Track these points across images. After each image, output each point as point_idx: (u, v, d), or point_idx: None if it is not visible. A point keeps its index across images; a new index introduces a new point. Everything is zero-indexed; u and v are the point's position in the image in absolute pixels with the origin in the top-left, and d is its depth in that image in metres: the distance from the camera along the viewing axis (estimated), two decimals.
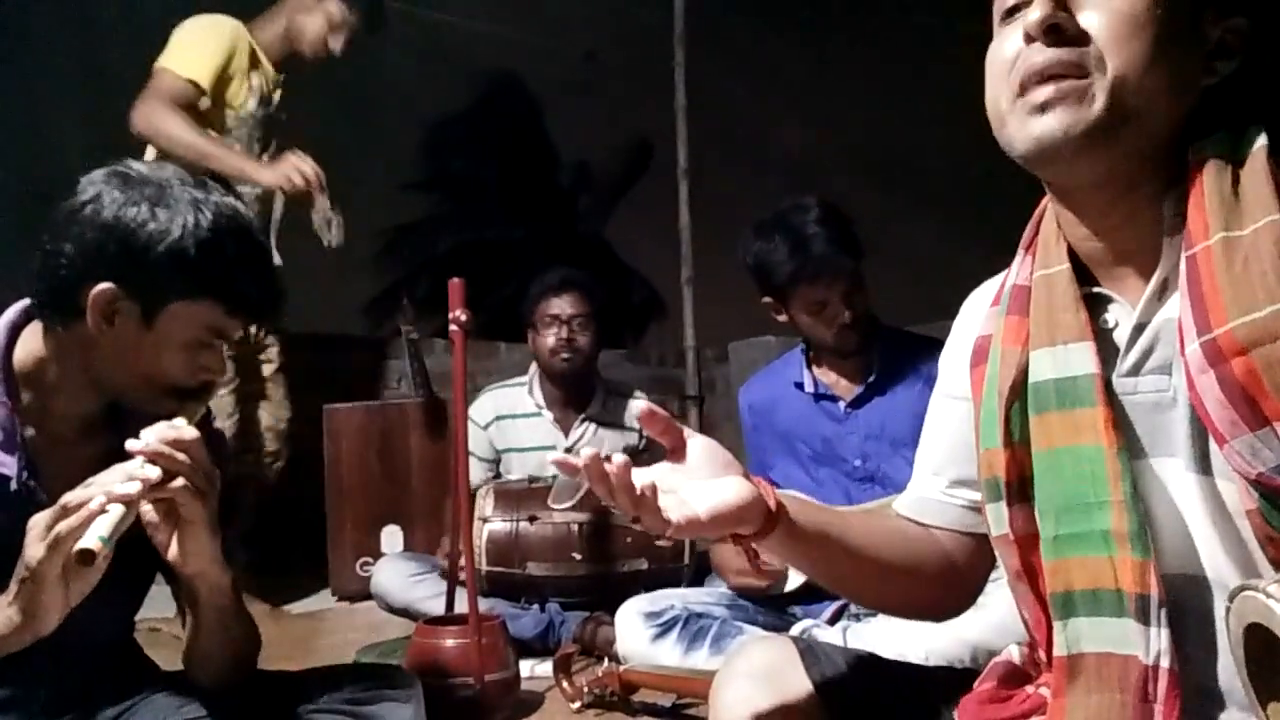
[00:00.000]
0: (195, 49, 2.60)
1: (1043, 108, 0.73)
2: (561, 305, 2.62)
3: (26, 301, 1.11)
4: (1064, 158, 0.74)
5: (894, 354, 2.03)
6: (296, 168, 2.55)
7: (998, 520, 0.83)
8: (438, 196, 15.72)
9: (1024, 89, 0.75)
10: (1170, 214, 0.75)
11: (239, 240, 1.09)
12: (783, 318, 2.06)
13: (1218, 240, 0.69)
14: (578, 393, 2.70)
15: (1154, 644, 0.72)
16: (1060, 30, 0.73)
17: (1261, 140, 0.73)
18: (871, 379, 2.01)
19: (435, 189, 15.69)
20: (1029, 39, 0.74)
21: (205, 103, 2.58)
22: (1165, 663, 0.71)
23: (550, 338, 2.60)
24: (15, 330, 1.10)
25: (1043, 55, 0.74)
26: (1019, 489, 0.81)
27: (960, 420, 0.92)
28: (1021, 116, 0.75)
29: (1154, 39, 0.72)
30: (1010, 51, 0.77)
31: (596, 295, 2.70)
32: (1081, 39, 0.73)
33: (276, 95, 2.83)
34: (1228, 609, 0.64)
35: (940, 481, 0.96)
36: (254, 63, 2.72)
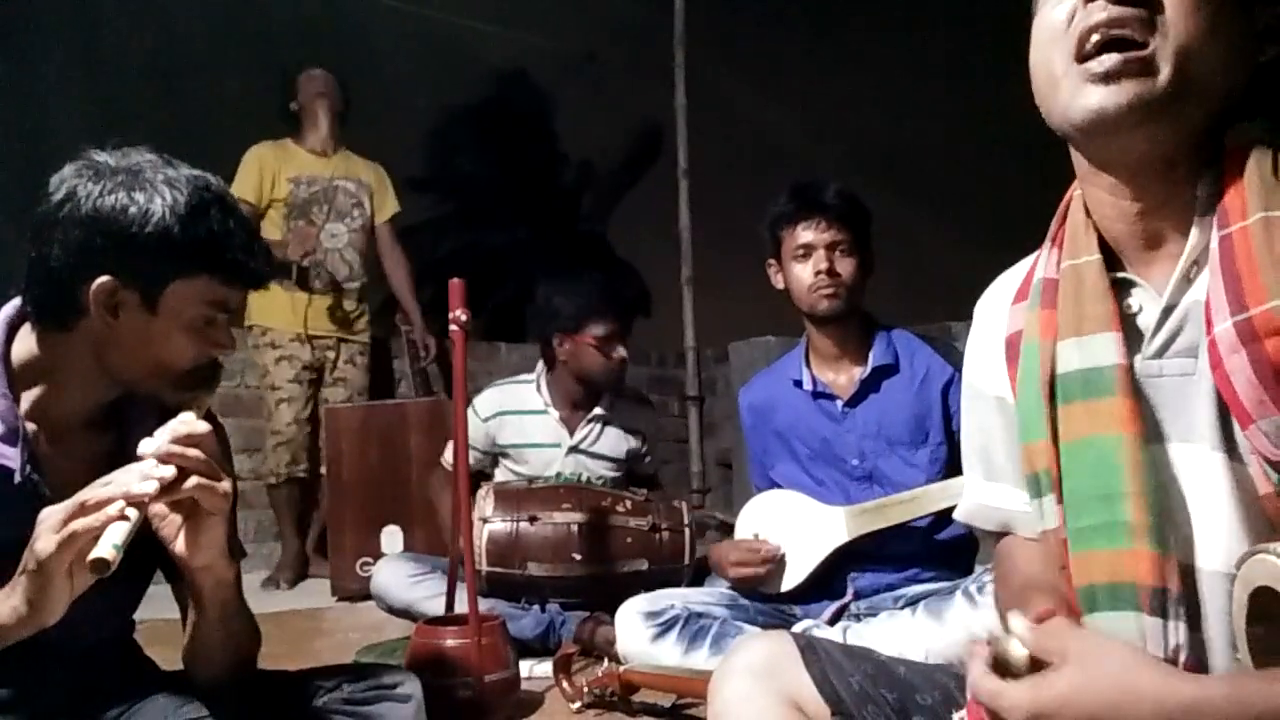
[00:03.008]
0: (240, 176, 3.48)
1: (1106, 77, 0.71)
2: (614, 324, 2.60)
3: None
4: (1124, 130, 0.73)
5: (891, 352, 2.03)
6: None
7: (1044, 515, 0.82)
8: (438, 197, 15.73)
9: (1083, 50, 0.73)
10: (1204, 194, 0.74)
11: (219, 209, 1.08)
12: (780, 282, 2.07)
13: (1257, 220, 0.68)
14: (588, 393, 2.70)
15: (1172, 638, 0.71)
16: None
17: None
18: (866, 376, 2.01)
19: (436, 190, 15.70)
20: None
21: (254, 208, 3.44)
22: (1183, 657, 0.71)
23: (606, 356, 2.59)
24: (13, 327, 1.09)
25: (1105, 12, 0.72)
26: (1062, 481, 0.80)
27: (1008, 416, 0.90)
28: (1079, 83, 0.73)
29: (1216, 12, 0.71)
30: (1063, 14, 0.75)
31: (630, 307, 2.72)
32: (1146, 2, 0.71)
33: (326, 172, 3.60)
34: (1234, 575, 0.63)
35: (1010, 489, 0.93)
36: (286, 164, 3.55)
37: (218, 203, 1.09)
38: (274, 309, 3.43)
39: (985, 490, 0.97)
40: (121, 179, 1.04)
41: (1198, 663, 0.71)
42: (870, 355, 2.02)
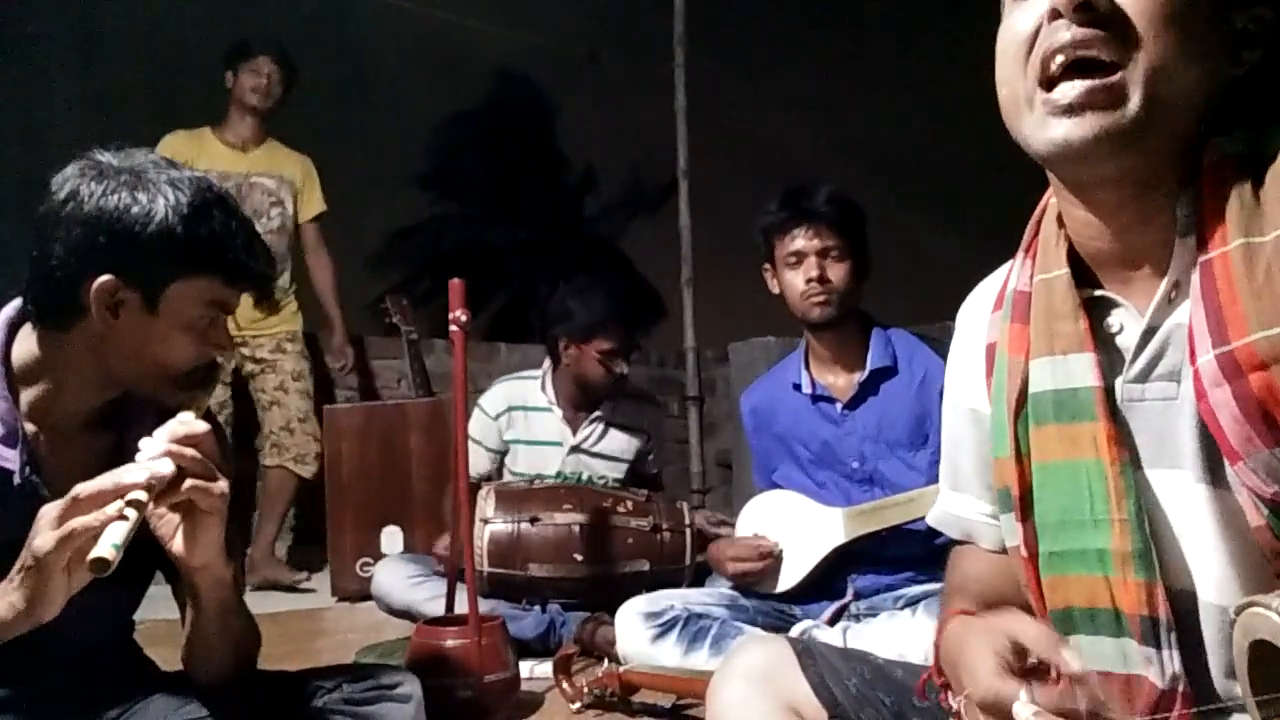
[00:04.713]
0: None
1: (1069, 109, 0.68)
2: (623, 342, 2.59)
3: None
4: (1092, 160, 0.69)
5: (889, 354, 2.02)
6: None
7: (1010, 532, 0.81)
8: (440, 197, 15.74)
9: (1048, 74, 0.69)
10: (1184, 214, 0.70)
11: (222, 211, 1.09)
12: (775, 287, 2.07)
13: (1237, 247, 0.65)
14: (588, 396, 2.70)
15: (1168, 667, 0.70)
16: (1093, 9, 0.66)
17: None
18: (865, 378, 2.01)
19: (436, 189, 15.71)
20: (1054, 15, 0.68)
21: None
22: (1182, 687, 0.70)
23: (606, 370, 2.59)
24: (14, 327, 1.10)
25: (1064, 35, 0.67)
26: (1028, 502, 0.78)
27: (984, 431, 0.88)
28: (1043, 115, 0.69)
29: (1190, 25, 0.67)
30: (1027, 28, 0.71)
31: (644, 322, 2.70)
32: (1114, 20, 0.67)
33: (242, 168, 3.43)
34: (1233, 621, 0.61)
35: (972, 500, 0.93)
36: (199, 157, 3.31)
37: (220, 204, 1.09)
38: None
39: (951, 499, 0.96)
40: (125, 179, 1.04)
41: (1195, 690, 0.70)
42: (868, 357, 2.02)
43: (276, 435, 3.43)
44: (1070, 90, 0.68)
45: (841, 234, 1.99)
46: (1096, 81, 0.67)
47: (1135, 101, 0.67)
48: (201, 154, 3.39)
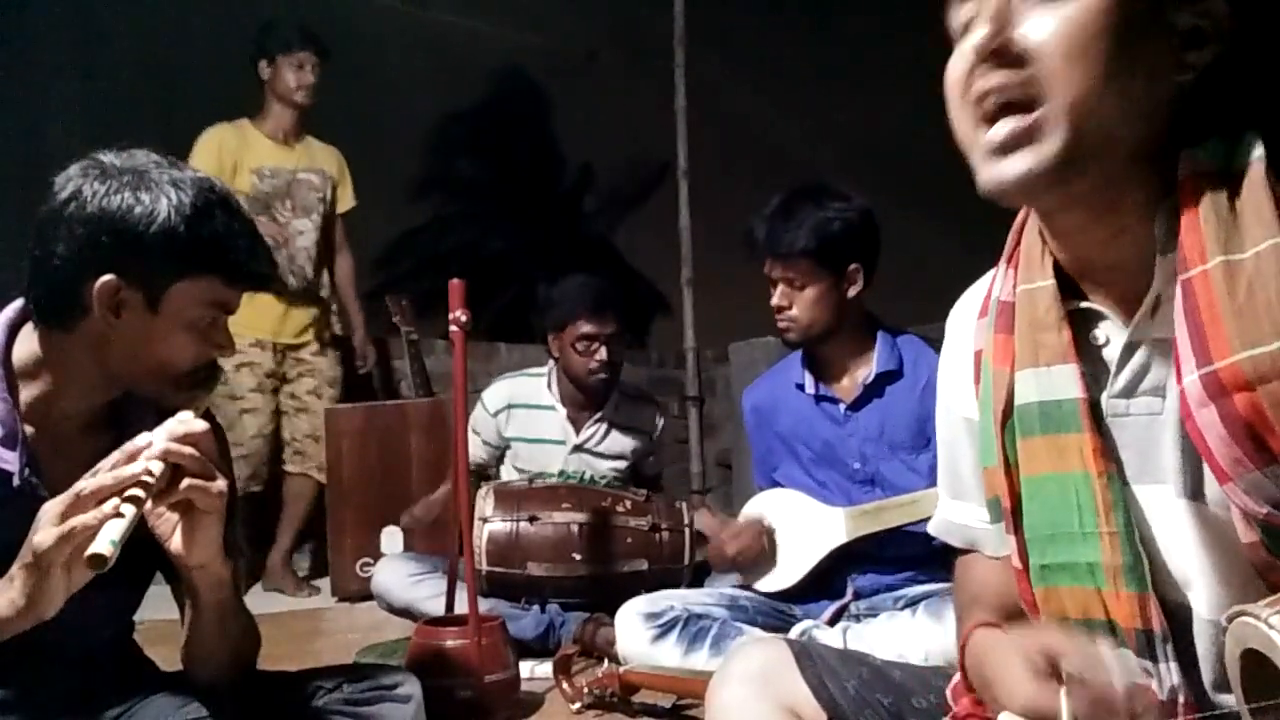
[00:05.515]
0: (197, 161, 3.10)
1: (1003, 148, 0.68)
2: (597, 325, 2.56)
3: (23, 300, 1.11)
4: (1029, 196, 0.71)
5: (895, 357, 2.02)
6: None
7: (1004, 542, 0.81)
8: (439, 197, 15.74)
9: (983, 111, 0.70)
10: (1161, 231, 0.69)
11: (224, 211, 1.09)
12: None
13: (1217, 264, 0.64)
14: (586, 394, 2.70)
15: (1166, 679, 0.70)
16: (1002, 54, 0.67)
17: (1259, 150, 0.66)
18: (870, 380, 2.00)
19: (436, 190, 15.70)
20: (979, 59, 0.69)
21: None
22: (1182, 697, 0.70)
23: (587, 358, 2.57)
24: (14, 328, 1.10)
25: (986, 80, 0.68)
26: (1018, 514, 0.78)
27: (974, 436, 0.88)
28: (984, 155, 0.70)
29: (1108, 50, 0.65)
30: (963, 69, 0.71)
31: (626, 309, 2.69)
32: (1028, 59, 0.67)
33: (289, 164, 3.36)
34: (1224, 629, 0.62)
35: (974, 508, 0.92)
36: (247, 152, 3.28)
37: (222, 204, 1.09)
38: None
39: (952, 507, 0.96)
40: (127, 179, 1.04)
41: (1196, 701, 0.70)
42: (875, 360, 2.02)
43: (300, 443, 3.39)
44: (1000, 131, 0.68)
45: (806, 263, 1.94)
46: (1018, 124, 0.68)
47: (1056, 138, 0.66)
48: (247, 148, 3.31)
